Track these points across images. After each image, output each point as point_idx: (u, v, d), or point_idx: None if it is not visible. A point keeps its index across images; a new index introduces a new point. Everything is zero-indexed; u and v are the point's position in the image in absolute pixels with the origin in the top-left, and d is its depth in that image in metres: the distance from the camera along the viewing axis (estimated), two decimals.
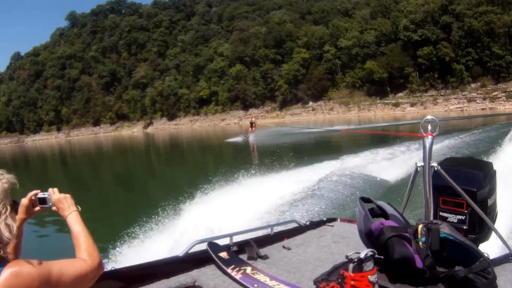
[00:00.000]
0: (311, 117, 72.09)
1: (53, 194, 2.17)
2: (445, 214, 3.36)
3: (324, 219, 4.79)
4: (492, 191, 3.47)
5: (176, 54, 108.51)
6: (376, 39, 70.38)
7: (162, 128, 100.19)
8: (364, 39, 70.88)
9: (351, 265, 2.56)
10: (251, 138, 36.59)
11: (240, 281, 3.12)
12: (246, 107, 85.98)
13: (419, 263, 2.65)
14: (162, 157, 43.01)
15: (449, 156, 4.30)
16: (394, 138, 20.89)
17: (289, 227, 4.50)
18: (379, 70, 66.88)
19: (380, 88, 68.73)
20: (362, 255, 2.53)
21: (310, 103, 76.66)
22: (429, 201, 3.16)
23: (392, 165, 14.35)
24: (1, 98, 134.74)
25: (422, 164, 3.16)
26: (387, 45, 69.13)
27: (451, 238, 2.70)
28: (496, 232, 3.39)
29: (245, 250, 3.66)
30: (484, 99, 60.83)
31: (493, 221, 3.52)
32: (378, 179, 12.32)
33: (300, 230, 4.38)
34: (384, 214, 3.07)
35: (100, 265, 1.94)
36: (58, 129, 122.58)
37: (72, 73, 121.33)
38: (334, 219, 4.78)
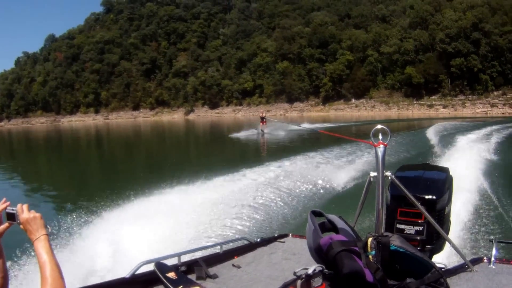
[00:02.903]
0: (354, 113, 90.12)
1: (22, 212, 2.09)
2: (403, 226, 3.56)
3: (276, 235, 5.13)
4: (450, 198, 3.79)
5: (218, 47, 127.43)
6: (414, 47, 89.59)
7: (203, 115, 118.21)
8: (404, 47, 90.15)
9: (299, 282, 2.77)
10: (266, 131, 40.31)
11: None
12: (291, 100, 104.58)
13: (369, 277, 2.75)
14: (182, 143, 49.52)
15: (404, 164, 4.51)
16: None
17: (240, 245, 4.72)
18: (417, 75, 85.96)
19: (416, 90, 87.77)
20: (310, 271, 2.74)
21: (353, 100, 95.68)
22: (380, 213, 3.26)
23: (350, 170, 15.03)
24: (36, 78, 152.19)
25: (376, 174, 3.26)
26: (424, 54, 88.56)
27: (402, 250, 2.87)
28: (450, 242, 3.63)
29: (193, 270, 3.85)
30: (504, 105, 79.02)
31: (449, 229, 3.82)
32: (333, 187, 12.95)
33: (250, 247, 4.60)
34: (335, 228, 3.16)
35: None
36: (96, 112, 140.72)
37: (111, 58, 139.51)
38: (285, 235, 5.06)
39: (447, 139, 23.79)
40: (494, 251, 3.68)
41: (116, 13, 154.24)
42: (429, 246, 3.52)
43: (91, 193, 16.86)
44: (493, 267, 3.55)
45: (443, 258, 3.76)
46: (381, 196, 3.19)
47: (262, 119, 42.03)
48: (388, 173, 3.25)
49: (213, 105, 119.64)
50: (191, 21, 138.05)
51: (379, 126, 3.32)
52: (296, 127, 42.48)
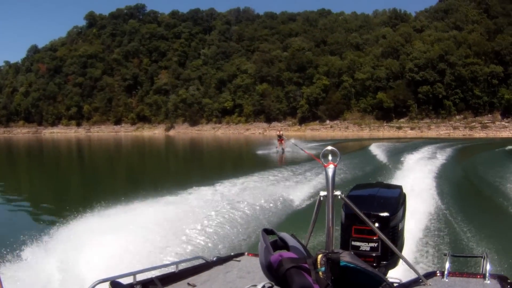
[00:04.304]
0: (330, 133, 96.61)
1: None
2: (358, 243, 3.61)
3: (232, 254, 5.10)
4: (404, 215, 3.87)
5: (198, 66, 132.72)
6: (386, 75, 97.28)
7: (184, 132, 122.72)
8: (376, 74, 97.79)
9: None
10: (287, 150, 39.10)
11: None
12: (269, 120, 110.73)
13: None
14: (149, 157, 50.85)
15: (357, 183, 4.56)
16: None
17: (196, 264, 4.67)
18: (387, 100, 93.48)
19: (386, 113, 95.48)
20: None
21: (328, 121, 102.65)
22: (330, 231, 3.21)
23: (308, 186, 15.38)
24: (19, 88, 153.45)
25: (325, 193, 3.22)
26: (394, 81, 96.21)
27: (352, 266, 2.90)
28: (402, 257, 3.63)
29: None
30: (465, 127, 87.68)
31: (403, 244, 3.91)
32: (291, 204, 13.19)
33: (206, 266, 4.57)
34: (286, 246, 3.14)
35: None
36: (78, 124, 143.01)
37: (94, 73, 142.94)
38: (241, 254, 5.05)
39: (396, 158, 24.78)
40: (447, 265, 3.75)
41: (99, 27, 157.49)
42: (384, 262, 3.63)
43: (45, 208, 16.99)
44: (447, 280, 3.61)
45: (399, 273, 3.86)
46: (331, 215, 3.16)
47: (280, 137, 40.03)
48: (337, 193, 3.22)
49: (193, 122, 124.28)
50: (173, 39, 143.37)
51: (329, 148, 3.26)
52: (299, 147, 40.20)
